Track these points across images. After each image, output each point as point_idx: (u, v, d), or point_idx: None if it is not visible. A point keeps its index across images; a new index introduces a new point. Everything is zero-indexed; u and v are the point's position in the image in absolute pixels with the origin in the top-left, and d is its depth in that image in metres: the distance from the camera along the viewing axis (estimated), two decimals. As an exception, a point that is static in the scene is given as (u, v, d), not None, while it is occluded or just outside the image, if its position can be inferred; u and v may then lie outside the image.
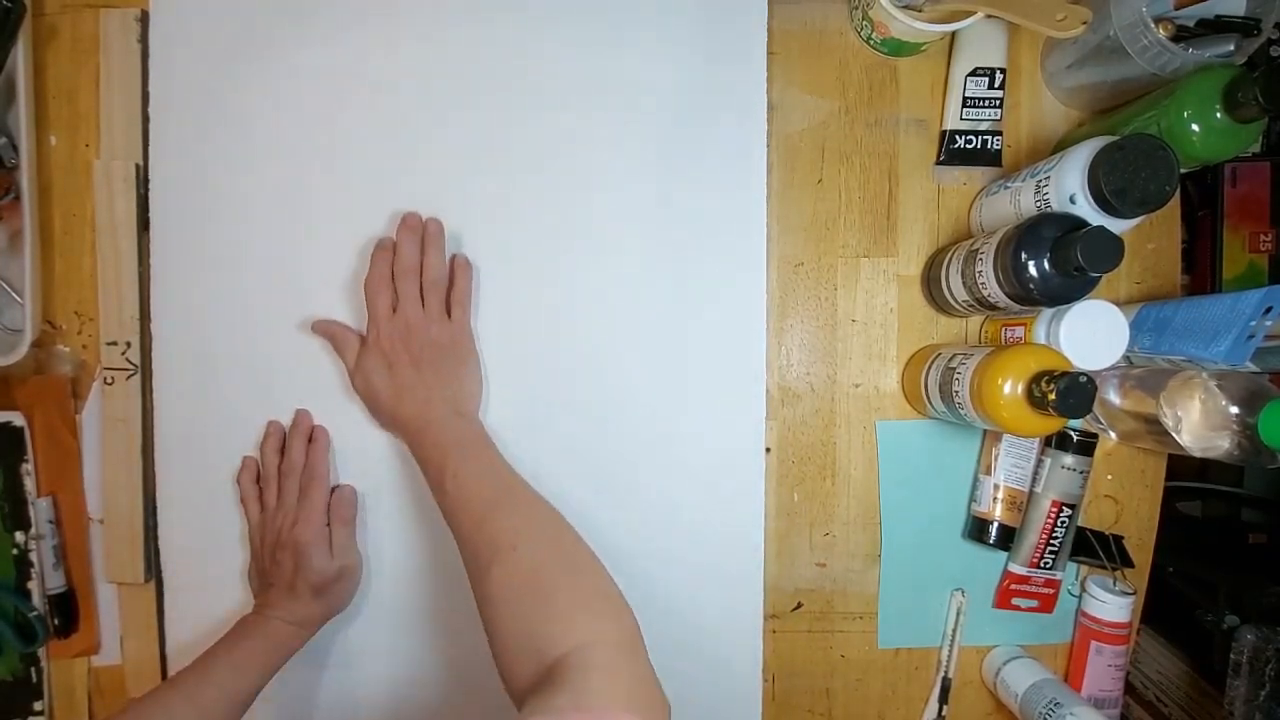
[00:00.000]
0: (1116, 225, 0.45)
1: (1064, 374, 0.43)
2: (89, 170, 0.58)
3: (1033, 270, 0.46)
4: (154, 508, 0.59)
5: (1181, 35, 0.50)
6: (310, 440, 0.57)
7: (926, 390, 0.55)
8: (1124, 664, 0.58)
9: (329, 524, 0.56)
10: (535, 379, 0.58)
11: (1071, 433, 0.56)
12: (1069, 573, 0.59)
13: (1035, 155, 0.57)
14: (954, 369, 0.51)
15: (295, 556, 0.54)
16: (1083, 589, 0.59)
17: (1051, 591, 0.58)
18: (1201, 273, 0.64)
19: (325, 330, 0.57)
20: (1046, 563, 0.57)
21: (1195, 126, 0.46)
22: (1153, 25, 0.46)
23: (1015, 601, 0.59)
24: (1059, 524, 0.56)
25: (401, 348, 0.54)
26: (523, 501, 0.47)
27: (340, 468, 0.59)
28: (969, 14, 0.51)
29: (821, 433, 0.60)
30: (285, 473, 0.57)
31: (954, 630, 0.60)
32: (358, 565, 0.58)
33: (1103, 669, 0.58)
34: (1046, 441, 0.57)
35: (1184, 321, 0.49)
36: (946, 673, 0.60)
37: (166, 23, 0.58)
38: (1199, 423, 0.46)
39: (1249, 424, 0.43)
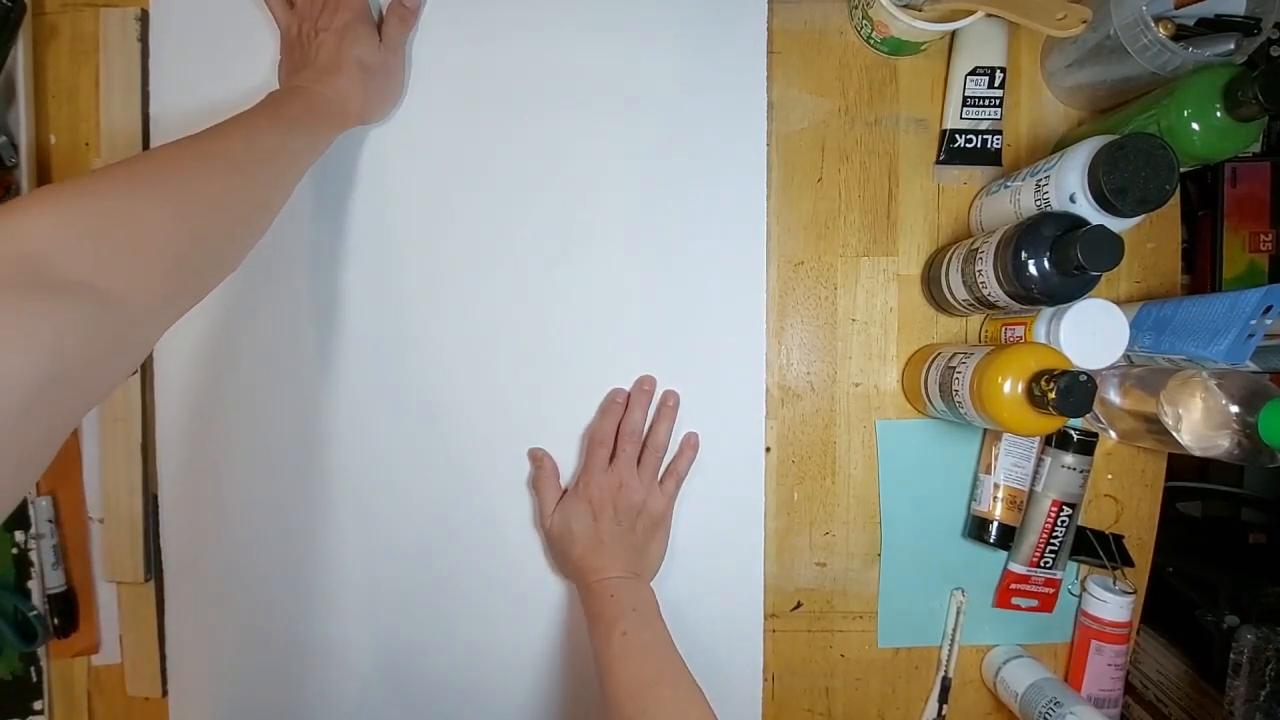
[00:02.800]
0: (1116, 224, 0.45)
1: (1064, 373, 0.43)
2: (89, 169, 0.58)
3: (1033, 269, 0.46)
4: (154, 508, 0.59)
5: (1181, 34, 0.50)
6: None
7: (926, 389, 0.55)
8: (1124, 664, 0.58)
9: (382, 16, 0.54)
10: (535, 378, 0.58)
11: (1072, 432, 0.56)
12: (1069, 572, 0.59)
13: (1035, 154, 0.57)
14: (954, 368, 0.51)
15: (343, 29, 0.51)
16: (1083, 588, 0.59)
17: (1051, 591, 0.58)
18: (1201, 272, 0.64)
19: (538, 460, 0.58)
20: (1046, 562, 0.57)
21: (1195, 126, 0.46)
22: (1153, 24, 0.46)
23: (1015, 601, 0.59)
24: (1059, 523, 0.56)
25: (609, 502, 0.55)
26: (684, 686, 0.47)
27: (313, 477, 0.59)
28: (969, 13, 0.51)
29: (821, 432, 0.60)
30: None
31: (954, 630, 0.60)
32: (403, 73, 0.56)
33: (1103, 668, 0.58)
34: (1046, 441, 0.57)
35: (1184, 321, 0.49)
36: (946, 672, 0.60)
37: (166, 23, 0.58)
38: (1199, 422, 0.46)
39: (1249, 423, 0.43)
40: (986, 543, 0.57)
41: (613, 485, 0.55)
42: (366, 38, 0.52)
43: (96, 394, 0.33)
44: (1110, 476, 0.60)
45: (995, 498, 0.57)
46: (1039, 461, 0.57)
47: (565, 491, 0.57)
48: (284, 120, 0.46)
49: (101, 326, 0.32)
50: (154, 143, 0.58)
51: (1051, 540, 0.56)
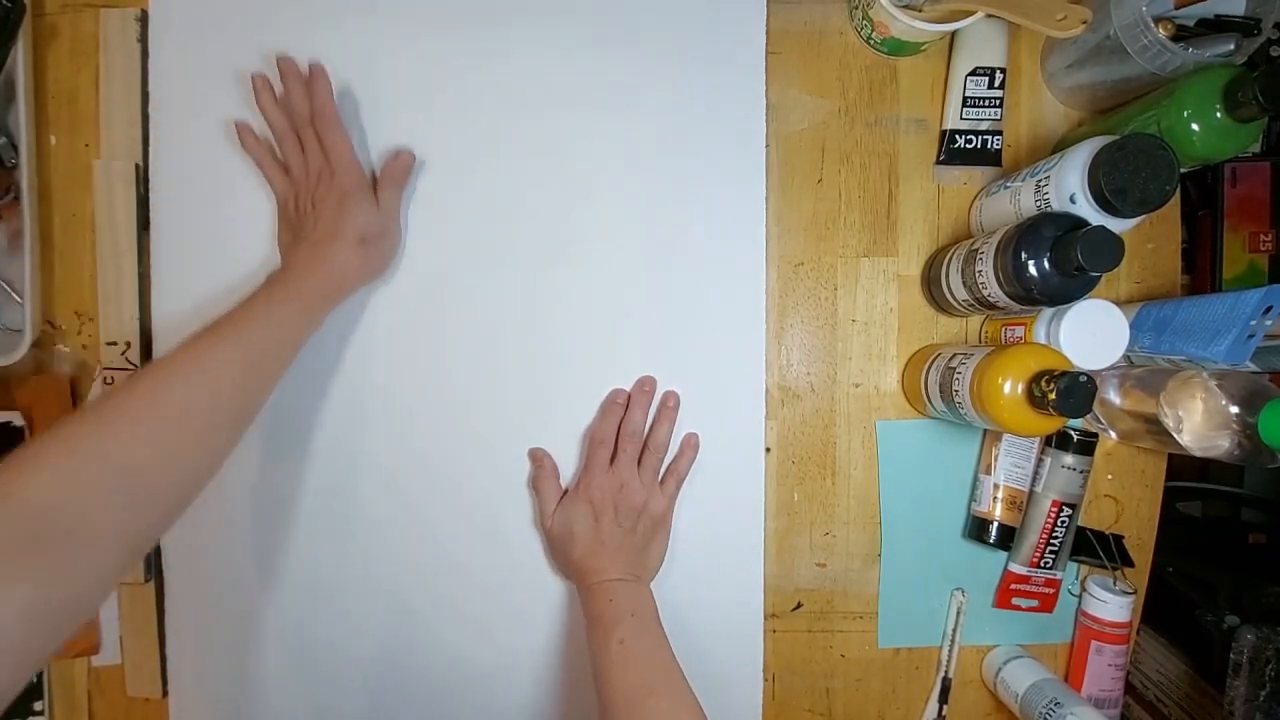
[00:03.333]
0: (1116, 225, 0.45)
1: (1064, 373, 0.43)
2: (89, 170, 0.58)
3: (1033, 270, 0.46)
4: (154, 508, 0.59)
5: (1181, 35, 0.50)
6: (310, 81, 0.53)
7: (926, 390, 0.55)
8: (1124, 664, 0.58)
9: (376, 181, 0.54)
10: (535, 378, 0.58)
11: (1072, 432, 0.56)
12: (1069, 572, 0.59)
13: (1035, 155, 0.57)
14: (954, 369, 0.51)
15: (340, 203, 0.51)
16: (1083, 589, 0.59)
17: (1051, 591, 0.58)
18: (1201, 273, 0.64)
19: (538, 460, 0.58)
20: (1046, 562, 0.57)
21: (1195, 126, 0.46)
22: (1153, 25, 0.46)
23: (1015, 601, 0.59)
24: (1059, 524, 0.56)
25: (610, 503, 0.55)
26: (679, 697, 0.46)
27: (313, 477, 0.59)
28: (969, 14, 0.51)
29: (821, 432, 0.60)
30: (299, 125, 0.53)
31: (954, 630, 0.60)
32: (400, 233, 0.56)
33: (1103, 669, 0.58)
34: (1047, 441, 0.57)
35: (1184, 321, 0.49)
36: (946, 672, 0.60)
37: (166, 23, 0.58)
38: (1199, 422, 0.46)
39: (1249, 423, 0.43)
40: (986, 543, 0.57)
41: (614, 486, 0.55)
42: (364, 209, 0.52)
43: (73, 622, 0.37)
44: (1110, 477, 0.60)
45: (995, 498, 0.57)
46: (1039, 462, 0.57)
47: (566, 492, 0.58)
48: (279, 319, 0.48)
49: (83, 565, 0.36)
50: (154, 142, 0.58)
51: (1051, 540, 0.56)
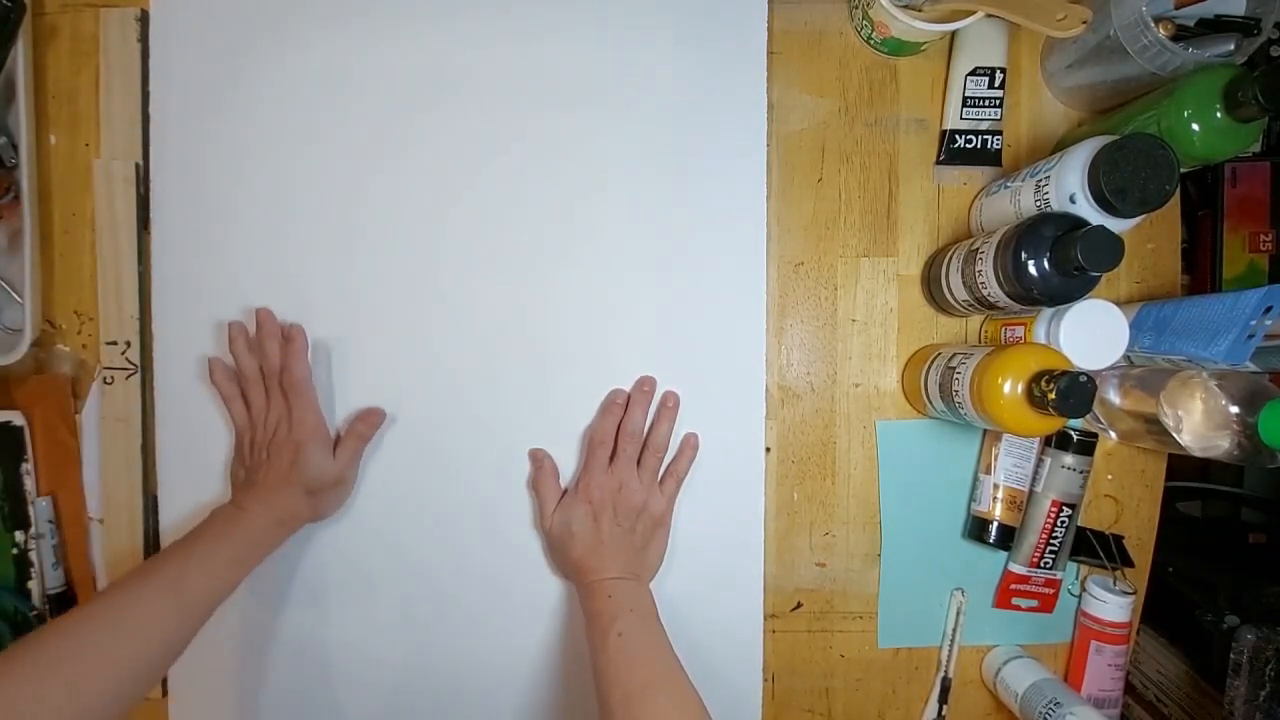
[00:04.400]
0: (1116, 225, 0.45)
1: (1064, 373, 0.43)
2: (89, 170, 0.58)
3: (1033, 270, 0.46)
4: (154, 508, 0.59)
5: (1181, 35, 0.50)
6: (286, 340, 0.56)
7: (926, 390, 0.55)
8: (1124, 664, 0.58)
9: (340, 433, 0.56)
10: (535, 378, 0.58)
11: (1071, 432, 0.56)
12: (1069, 572, 0.59)
13: (1035, 155, 0.57)
14: (954, 369, 0.51)
15: (294, 454, 0.53)
16: (1083, 589, 0.59)
17: (1051, 591, 0.58)
18: (1201, 273, 0.64)
19: (538, 460, 0.58)
20: (1046, 562, 0.57)
21: (1195, 126, 0.46)
22: (1153, 25, 0.46)
23: (1015, 601, 0.59)
24: (1059, 524, 0.56)
25: (609, 502, 0.55)
26: (677, 691, 0.46)
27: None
28: (969, 14, 0.51)
29: (821, 432, 0.60)
30: (269, 374, 0.55)
31: (954, 630, 0.60)
32: (354, 480, 0.57)
33: (1103, 669, 0.58)
34: (1046, 441, 0.57)
35: (1184, 321, 0.49)
36: (946, 672, 0.60)
37: (166, 23, 0.58)
38: (1199, 422, 0.46)
39: (1249, 424, 0.43)
40: (986, 543, 0.57)
41: (613, 486, 0.55)
42: (320, 461, 0.53)
43: None
44: (1110, 477, 0.60)
45: (995, 498, 0.57)
46: (1039, 462, 0.57)
47: (565, 492, 0.57)
48: (220, 563, 0.49)
49: None
50: (154, 142, 0.58)
51: (1051, 540, 0.56)
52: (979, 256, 0.50)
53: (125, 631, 0.44)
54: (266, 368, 0.56)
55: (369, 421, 0.57)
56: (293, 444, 0.53)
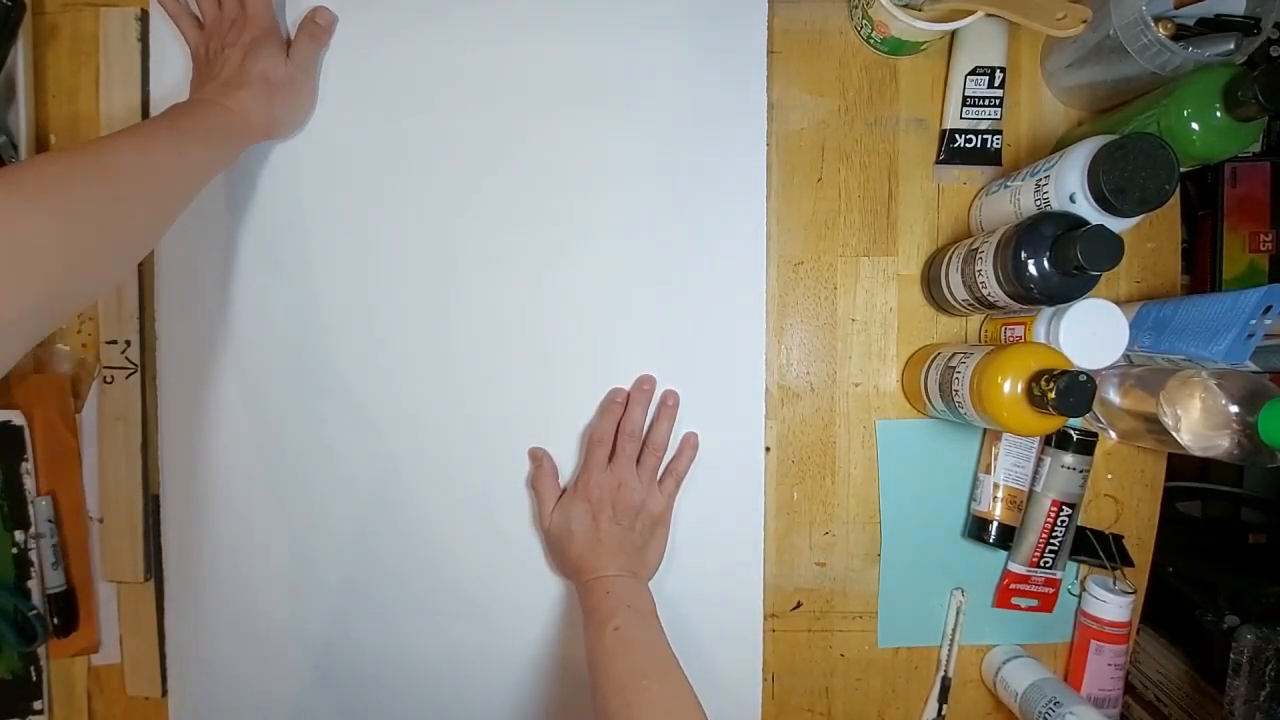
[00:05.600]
0: (1116, 224, 0.45)
1: (1064, 373, 0.43)
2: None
3: (1033, 269, 0.46)
4: (154, 507, 0.59)
5: (1181, 34, 0.50)
6: None
7: (926, 389, 0.55)
8: (1124, 663, 0.58)
9: (292, 35, 0.55)
10: (535, 378, 0.58)
11: (1071, 432, 0.56)
12: (1069, 572, 0.59)
13: (1035, 154, 0.57)
14: (954, 368, 0.51)
15: (246, 49, 0.51)
16: (1083, 588, 0.59)
17: (1051, 591, 0.58)
18: (1201, 272, 0.64)
19: (537, 459, 0.58)
20: (1046, 562, 0.57)
21: (1195, 125, 0.46)
22: (1152, 24, 0.46)
23: (1015, 601, 0.59)
24: (1059, 523, 0.56)
25: (608, 501, 0.55)
26: (671, 679, 0.46)
27: (312, 476, 0.59)
28: (969, 13, 0.51)
29: (821, 432, 0.60)
30: None
31: (954, 629, 0.60)
32: (313, 90, 0.56)
33: (1102, 668, 0.58)
34: (1046, 441, 0.57)
35: (1184, 321, 0.49)
36: (946, 672, 0.60)
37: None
38: (1199, 422, 0.46)
39: (1249, 423, 0.43)
40: (986, 543, 0.57)
41: (612, 485, 0.55)
42: (271, 53, 0.52)
43: None
44: (1110, 476, 0.60)
45: (995, 498, 0.57)
46: (1039, 461, 0.57)
47: (564, 491, 0.57)
48: (181, 132, 0.46)
49: None
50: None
51: (1051, 540, 0.56)
52: (979, 256, 0.50)
53: (121, 170, 0.41)
54: None
55: (319, 20, 0.55)
56: (246, 39, 0.52)
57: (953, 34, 0.57)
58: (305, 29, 0.55)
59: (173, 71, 0.58)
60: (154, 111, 0.58)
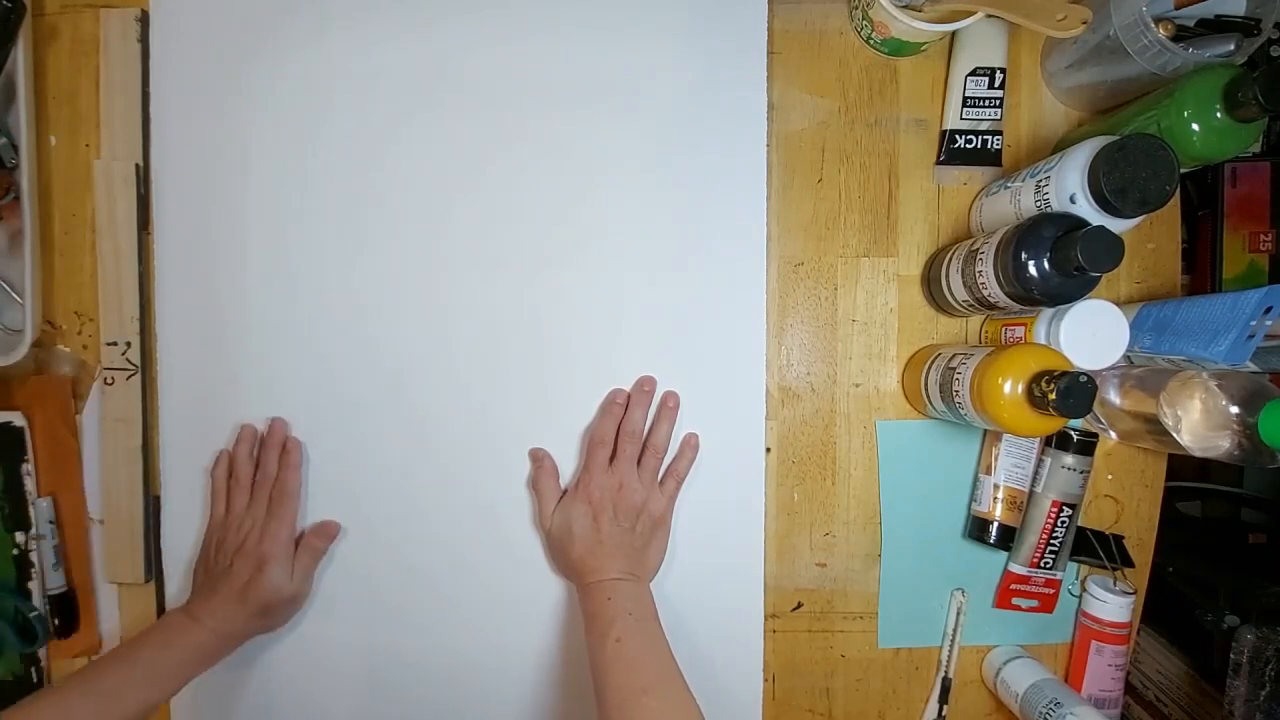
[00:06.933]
0: (1116, 225, 0.45)
1: (1064, 374, 0.43)
2: (89, 170, 0.58)
3: (1033, 270, 0.46)
4: (154, 508, 0.59)
5: (1181, 35, 0.50)
6: (284, 452, 0.57)
7: (926, 390, 0.55)
8: (1124, 664, 0.58)
9: (297, 545, 0.57)
10: (535, 378, 0.58)
11: (1072, 432, 0.56)
12: (1069, 572, 0.59)
13: (1035, 155, 0.57)
14: (954, 369, 0.51)
15: (255, 569, 0.54)
16: (1083, 589, 0.59)
17: (1052, 591, 0.58)
18: (1201, 273, 0.64)
19: (538, 460, 0.58)
20: (1047, 562, 0.57)
21: (1195, 126, 0.46)
22: (1153, 25, 0.46)
23: (1015, 601, 0.59)
24: (1059, 524, 0.56)
25: (609, 502, 0.55)
26: (673, 694, 0.46)
27: (313, 479, 0.59)
28: (969, 14, 0.51)
29: (821, 433, 0.60)
30: (259, 482, 0.57)
31: (954, 630, 0.60)
32: (308, 595, 0.58)
33: (1103, 669, 0.58)
34: (1047, 441, 0.57)
35: (1184, 321, 0.49)
36: (946, 672, 0.60)
37: (166, 23, 0.58)
38: (1199, 422, 0.46)
39: (1249, 424, 0.43)
40: (986, 543, 0.57)
41: (613, 486, 0.55)
42: (276, 581, 0.54)
43: None
44: (1110, 477, 0.60)
45: (995, 498, 0.57)
46: (1039, 462, 0.57)
47: (565, 492, 0.57)
48: (176, 674, 0.51)
49: None
50: (154, 142, 0.58)
51: (1051, 541, 0.56)
52: (979, 257, 0.50)
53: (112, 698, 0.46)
54: (261, 474, 0.57)
55: (323, 534, 0.58)
56: (257, 557, 0.54)
57: (953, 35, 0.57)
58: (309, 546, 0.57)
59: (173, 72, 0.58)
60: (153, 111, 0.58)
